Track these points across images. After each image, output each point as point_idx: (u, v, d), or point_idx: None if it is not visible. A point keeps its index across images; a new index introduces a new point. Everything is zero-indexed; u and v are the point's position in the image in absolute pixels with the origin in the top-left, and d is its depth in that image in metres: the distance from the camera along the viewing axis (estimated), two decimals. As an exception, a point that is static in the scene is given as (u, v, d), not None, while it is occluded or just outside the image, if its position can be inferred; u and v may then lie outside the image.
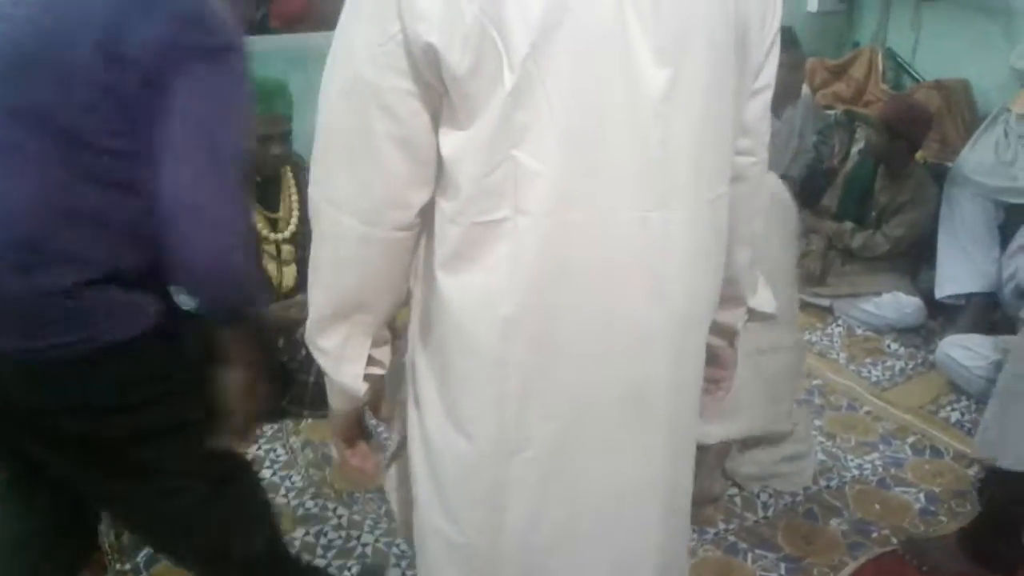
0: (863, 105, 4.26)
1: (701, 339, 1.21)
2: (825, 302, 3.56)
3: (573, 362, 1.09)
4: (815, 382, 3.10)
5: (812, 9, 4.46)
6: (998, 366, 2.88)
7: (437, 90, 0.98)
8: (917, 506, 2.49)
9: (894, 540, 2.35)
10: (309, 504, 2.44)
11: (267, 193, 2.79)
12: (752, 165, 1.21)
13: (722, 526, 2.39)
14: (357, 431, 1.29)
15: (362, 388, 1.17)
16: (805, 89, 3.97)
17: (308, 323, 1.15)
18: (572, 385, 1.10)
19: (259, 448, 2.70)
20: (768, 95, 1.18)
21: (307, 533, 2.33)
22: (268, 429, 2.76)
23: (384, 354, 1.19)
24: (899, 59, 4.39)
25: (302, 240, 2.71)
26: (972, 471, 2.64)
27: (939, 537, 2.36)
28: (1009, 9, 3.94)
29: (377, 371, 1.18)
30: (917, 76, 4.29)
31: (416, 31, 0.93)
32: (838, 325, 3.52)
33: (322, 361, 1.15)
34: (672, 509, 1.26)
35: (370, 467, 1.30)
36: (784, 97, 3.71)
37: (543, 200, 1.00)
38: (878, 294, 3.42)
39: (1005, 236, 3.40)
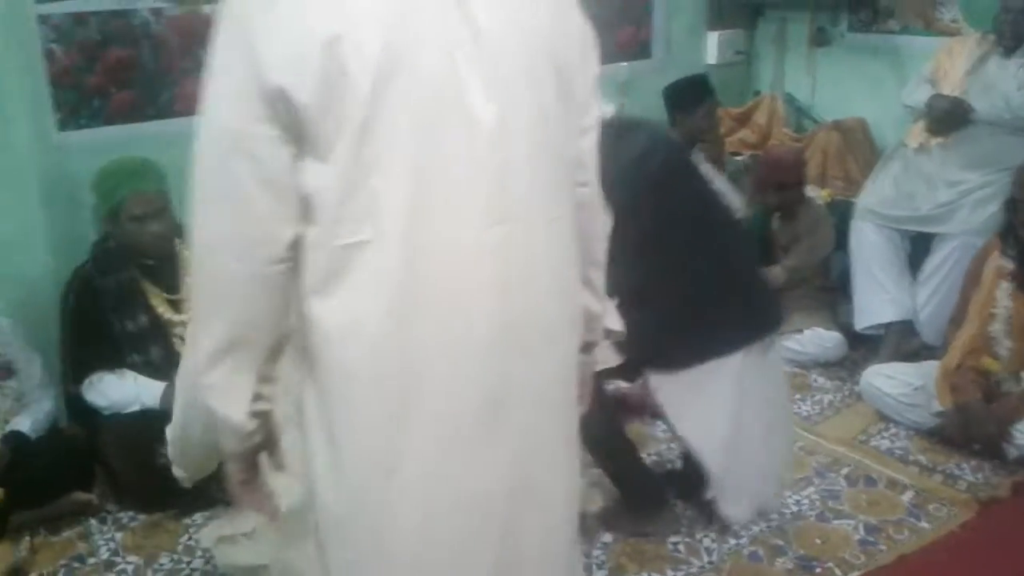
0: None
1: (559, 347, 1.29)
2: (751, 344, 3.59)
3: (440, 373, 1.16)
4: (748, 422, 3.11)
5: (712, 61, 4.61)
6: (921, 391, 2.96)
7: (293, 130, 1.08)
8: (856, 536, 2.51)
9: (838, 572, 2.35)
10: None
11: (164, 274, 2.73)
12: (590, 194, 1.37)
13: (669, 574, 2.37)
14: (252, 474, 1.29)
15: (249, 423, 1.21)
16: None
17: (194, 364, 1.20)
18: (441, 397, 1.17)
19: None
20: (596, 133, 1.34)
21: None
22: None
23: (271, 391, 1.23)
24: (798, 103, 4.56)
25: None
26: (906, 497, 2.67)
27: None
28: (897, 50, 4.15)
29: (263, 406, 1.22)
30: (816, 118, 4.45)
31: (268, 77, 1.05)
32: (765, 364, 3.55)
33: (208, 397, 1.19)
34: (543, 510, 1.29)
35: (265, 511, 1.33)
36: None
37: (398, 223, 1.11)
38: (799, 331, 3.48)
39: (915, 264, 3.50)
